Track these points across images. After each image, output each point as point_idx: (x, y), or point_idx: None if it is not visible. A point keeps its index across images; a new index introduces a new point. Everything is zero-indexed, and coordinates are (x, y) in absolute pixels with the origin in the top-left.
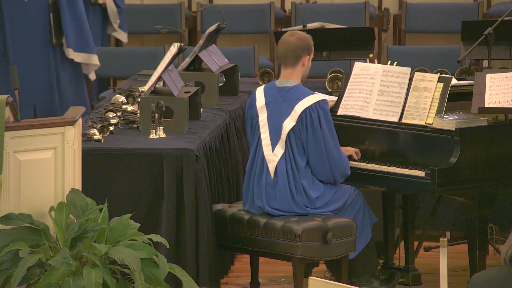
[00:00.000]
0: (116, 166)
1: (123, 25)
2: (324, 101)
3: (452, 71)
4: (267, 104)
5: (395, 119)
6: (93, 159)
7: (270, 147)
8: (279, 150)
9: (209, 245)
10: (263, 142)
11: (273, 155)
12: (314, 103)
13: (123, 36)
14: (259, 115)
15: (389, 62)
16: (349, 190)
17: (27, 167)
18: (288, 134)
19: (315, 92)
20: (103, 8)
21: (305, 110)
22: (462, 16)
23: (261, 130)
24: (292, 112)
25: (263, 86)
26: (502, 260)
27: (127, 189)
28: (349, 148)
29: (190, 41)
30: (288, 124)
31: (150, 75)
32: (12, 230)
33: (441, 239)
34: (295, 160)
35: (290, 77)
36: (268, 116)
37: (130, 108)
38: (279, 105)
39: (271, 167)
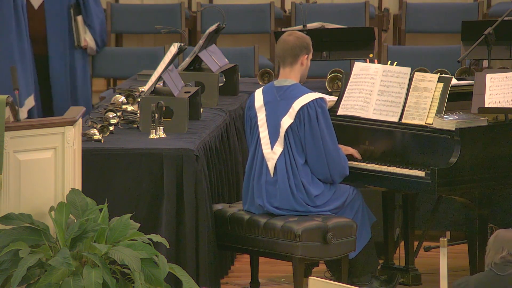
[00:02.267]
0: (116, 166)
1: None
2: (321, 99)
3: (452, 71)
4: (266, 103)
5: (395, 119)
6: (93, 159)
7: (269, 145)
8: (278, 148)
9: (209, 245)
10: (262, 141)
11: (272, 153)
12: (312, 101)
13: None
14: (258, 114)
15: (389, 62)
16: (348, 189)
17: (27, 167)
18: (287, 132)
19: (313, 91)
20: (85, 50)
21: (302, 107)
22: (462, 16)
23: (260, 129)
24: (290, 110)
25: (261, 87)
26: (489, 264)
27: (127, 189)
28: (349, 148)
29: (190, 41)
30: (286, 121)
31: (150, 75)
32: (12, 230)
33: (441, 239)
34: (294, 158)
35: (289, 76)
36: (266, 115)
37: (130, 108)
38: (278, 104)
39: (271, 165)
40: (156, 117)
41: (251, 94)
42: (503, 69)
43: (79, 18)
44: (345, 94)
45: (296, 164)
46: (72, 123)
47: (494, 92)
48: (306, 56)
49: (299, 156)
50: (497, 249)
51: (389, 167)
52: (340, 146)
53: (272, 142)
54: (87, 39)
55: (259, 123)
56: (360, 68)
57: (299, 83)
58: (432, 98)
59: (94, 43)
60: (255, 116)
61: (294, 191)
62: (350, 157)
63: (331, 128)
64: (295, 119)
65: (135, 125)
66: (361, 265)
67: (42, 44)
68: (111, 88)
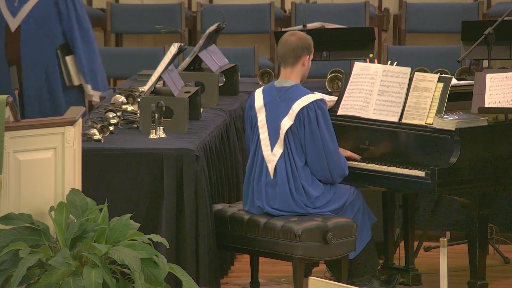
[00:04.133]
0: (116, 166)
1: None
2: (322, 100)
3: (452, 71)
4: (266, 104)
5: (395, 119)
6: (93, 159)
7: (269, 147)
8: (278, 149)
9: (209, 245)
10: (262, 142)
11: (272, 155)
12: (312, 102)
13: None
14: (258, 115)
15: (389, 62)
16: (348, 190)
17: (27, 167)
18: (286, 133)
19: (314, 92)
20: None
21: (302, 108)
22: (462, 16)
23: (260, 131)
24: (290, 111)
25: (262, 87)
26: None
27: (127, 189)
28: (347, 151)
29: (190, 41)
30: (286, 123)
31: (150, 75)
32: (12, 230)
33: (441, 239)
34: (294, 160)
35: (289, 77)
36: (266, 116)
37: (130, 108)
38: (278, 105)
39: (271, 167)
40: (156, 117)
41: (251, 94)
42: (503, 69)
43: (69, 58)
44: (345, 94)
45: (296, 166)
46: (72, 123)
47: (494, 92)
48: (308, 56)
49: (299, 158)
50: None
51: (389, 167)
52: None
53: (272, 144)
54: (81, 81)
55: (259, 124)
56: (360, 68)
57: (300, 84)
58: (432, 98)
59: (87, 85)
60: (255, 116)
61: (294, 194)
62: (349, 158)
63: (331, 128)
64: (294, 121)
65: (135, 125)
66: (361, 265)
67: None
68: (111, 88)
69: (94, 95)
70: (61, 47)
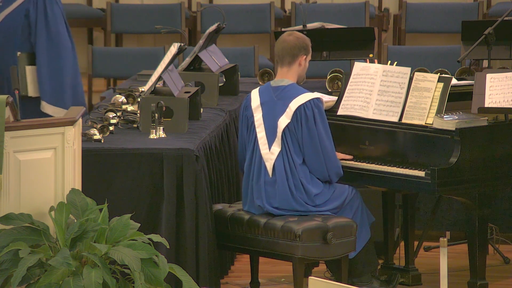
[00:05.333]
0: (116, 166)
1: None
2: (318, 99)
3: (452, 71)
4: (262, 103)
5: (395, 119)
6: (93, 159)
7: (266, 145)
8: (276, 148)
9: (209, 245)
10: (259, 141)
11: (270, 153)
12: (309, 101)
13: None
14: (254, 115)
15: (389, 62)
16: (347, 189)
17: (27, 167)
18: (284, 132)
19: (313, 91)
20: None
21: (299, 107)
22: (462, 16)
23: (257, 130)
24: (287, 110)
25: (258, 87)
26: None
27: (127, 189)
28: (339, 154)
29: (190, 41)
30: (283, 121)
31: (150, 75)
32: (12, 230)
33: (441, 239)
34: (292, 158)
35: (286, 76)
36: (263, 116)
37: (130, 108)
38: (274, 104)
39: (269, 165)
40: (156, 117)
41: (247, 95)
42: (503, 69)
43: (29, 68)
44: (345, 94)
45: (294, 164)
46: (72, 123)
47: (494, 92)
48: (305, 57)
49: (297, 156)
50: None
51: (389, 167)
52: None
53: (270, 143)
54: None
55: (256, 123)
56: (360, 68)
57: (296, 84)
58: (432, 98)
59: (42, 101)
60: (252, 116)
61: (293, 191)
62: (343, 159)
63: (327, 127)
64: (292, 119)
65: (135, 125)
66: (361, 265)
67: None
68: (111, 88)
69: (51, 112)
70: (23, 56)
